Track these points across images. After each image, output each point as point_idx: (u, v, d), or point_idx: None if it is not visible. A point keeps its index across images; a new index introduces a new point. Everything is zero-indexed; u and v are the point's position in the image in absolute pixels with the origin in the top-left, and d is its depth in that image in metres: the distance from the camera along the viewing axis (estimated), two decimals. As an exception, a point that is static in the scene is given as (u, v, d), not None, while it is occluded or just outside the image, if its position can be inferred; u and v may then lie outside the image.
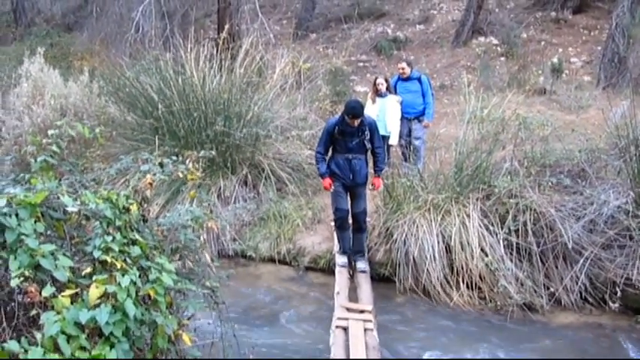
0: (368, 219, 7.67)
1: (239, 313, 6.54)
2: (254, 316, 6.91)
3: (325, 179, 7.24)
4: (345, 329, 5.77)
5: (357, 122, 6.91)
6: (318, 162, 7.26)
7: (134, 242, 3.52)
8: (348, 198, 7.36)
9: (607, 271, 6.89)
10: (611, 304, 6.79)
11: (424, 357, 6.10)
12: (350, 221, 7.47)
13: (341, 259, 7.46)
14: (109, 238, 3.35)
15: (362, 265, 7.33)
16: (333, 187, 7.22)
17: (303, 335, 6.51)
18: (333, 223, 8.20)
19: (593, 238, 7.04)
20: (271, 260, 8.37)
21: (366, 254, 7.53)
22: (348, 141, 7.06)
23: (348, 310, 6.26)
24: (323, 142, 7.19)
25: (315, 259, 8.20)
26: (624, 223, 6.96)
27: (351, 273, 7.35)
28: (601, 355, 6.24)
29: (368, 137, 7.08)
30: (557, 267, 7.17)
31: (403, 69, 9.64)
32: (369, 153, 7.32)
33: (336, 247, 7.76)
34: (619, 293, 6.73)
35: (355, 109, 6.87)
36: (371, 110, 9.12)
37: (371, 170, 7.48)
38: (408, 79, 9.61)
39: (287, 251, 8.36)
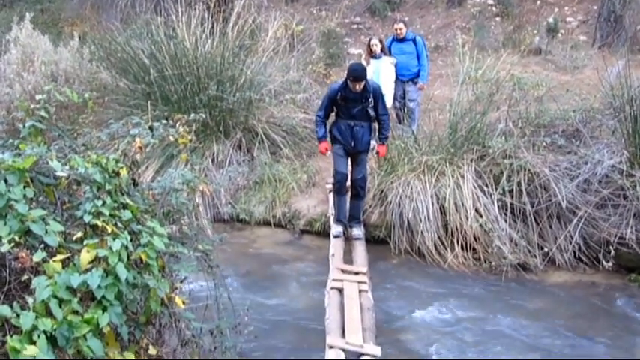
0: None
1: (234, 276, 6.58)
2: (249, 278, 6.94)
3: (322, 143, 7.17)
4: (340, 290, 5.81)
5: (359, 86, 6.76)
6: (318, 125, 7.18)
7: (125, 206, 3.50)
8: (349, 163, 7.27)
9: (601, 231, 6.92)
10: (604, 263, 6.83)
11: (422, 317, 6.16)
12: (348, 186, 7.39)
13: (336, 229, 7.35)
14: (100, 203, 3.33)
15: (357, 231, 7.30)
16: (332, 150, 7.16)
17: (299, 297, 6.56)
18: (327, 186, 8.21)
19: (587, 197, 7.04)
20: (266, 224, 8.39)
21: (361, 221, 7.49)
22: (351, 107, 6.94)
23: (343, 271, 6.29)
24: (324, 106, 7.09)
25: (310, 222, 8.22)
26: (618, 183, 6.97)
27: (346, 235, 7.36)
28: (595, 312, 6.30)
29: (372, 104, 6.93)
30: (551, 227, 7.20)
31: (400, 29, 9.53)
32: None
33: (331, 211, 7.73)
34: (612, 252, 6.77)
35: (357, 71, 6.74)
36: (365, 72, 9.05)
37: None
38: (403, 40, 9.51)
39: (282, 215, 8.37)
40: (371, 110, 6.96)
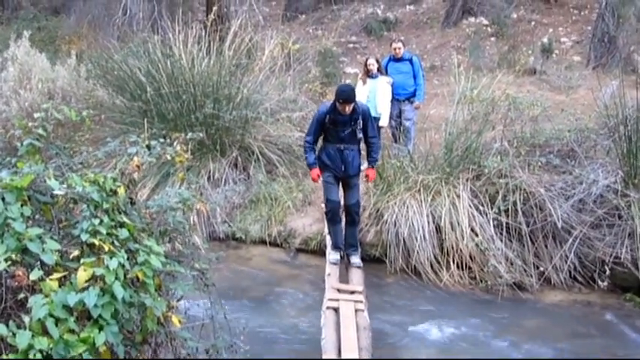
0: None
1: (230, 294, 6.54)
2: (245, 297, 6.92)
3: (313, 170, 6.93)
4: (336, 310, 5.79)
5: (348, 108, 6.52)
6: (307, 152, 6.91)
7: (122, 225, 3.50)
8: (340, 189, 7.07)
9: (596, 250, 6.94)
10: (600, 282, 6.85)
11: (418, 337, 6.14)
12: (342, 213, 7.19)
13: (333, 256, 7.08)
14: (97, 221, 3.33)
15: (355, 259, 7.04)
16: (321, 178, 6.92)
17: (295, 316, 6.54)
18: (323, 205, 8.18)
19: (582, 217, 7.06)
20: (262, 242, 8.36)
21: (359, 248, 7.25)
22: (340, 130, 6.69)
23: (339, 291, 6.27)
24: (313, 131, 6.83)
25: (306, 241, 8.20)
26: (613, 202, 7.00)
27: (343, 259, 7.17)
28: (591, 332, 6.29)
29: (361, 126, 6.71)
30: (546, 246, 7.20)
31: (399, 49, 9.58)
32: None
33: (327, 230, 7.63)
34: (608, 272, 6.80)
35: (346, 93, 6.49)
36: (361, 91, 9.08)
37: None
38: (400, 59, 9.57)
39: (278, 233, 8.35)
40: (359, 132, 6.75)
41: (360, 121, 6.70)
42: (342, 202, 7.17)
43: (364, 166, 7.14)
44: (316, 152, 7.01)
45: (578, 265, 7.01)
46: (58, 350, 2.84)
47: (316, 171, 6.93)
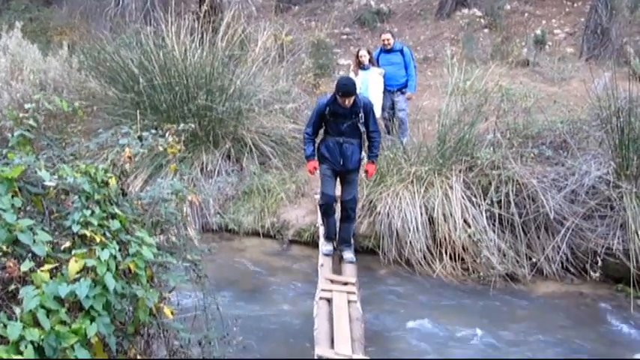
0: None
1: (223, 286, 6.54)
2: (238, 289, 6.92)
3: (310, 162, 6.90)
4: (329, 301, 5.80)
5: (348, 102, 6.46)
6: (306, 143, 6.87)
7: (113, 216, 3.49)
8: (338, 183, 7.01)
9: (588, 241, 6.96)
10: (592, 273, 6.87)
11: (411, 328, 6.15)
12: (337, 208, 7.16)
13: (326, 247, 7.10)
14: (88, 212, 3.32)
15: (348, 255, 7.01)
16: (319, 170, 6.89)
17: (287, 307, 6.54)
18: (316, 196, 8.17)
19: (574, 208, 7.08)
20: (255, 234, 8.37)
21: (352, 244, 7.19)
22: (339, 123, 6.63)
23: (332, 282, 6.28)
24: (312, 122, 6.80)
25: (299, 232, 8.20)
26: (605, 194, 7.02)
27: (335, 250, 7.17)
28: (583, 323, 6.32)
29: (362, 120, 6.64)
30: (539, 237, 7.23)
31: (387, 40, 9.58)
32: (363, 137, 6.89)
33: (320, 222, 7.60)
34: (600, 263, 6.81)
35: (346, 87, 6.41)
36: (353, 83, 9.06)
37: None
38: (391, 51, 9.57)
39: (271, 225, 8.35)
40: (361, 126, 6.68)
41: (362, 115, 6.63)
42: (337, 195, 7.10)
43: (365, 160, 7.08)
44: (316, 145, 6.98)
45: (571, 256, 7.04)
46: (49, 341, 2.83)
47: (313, 163, 6.90)
